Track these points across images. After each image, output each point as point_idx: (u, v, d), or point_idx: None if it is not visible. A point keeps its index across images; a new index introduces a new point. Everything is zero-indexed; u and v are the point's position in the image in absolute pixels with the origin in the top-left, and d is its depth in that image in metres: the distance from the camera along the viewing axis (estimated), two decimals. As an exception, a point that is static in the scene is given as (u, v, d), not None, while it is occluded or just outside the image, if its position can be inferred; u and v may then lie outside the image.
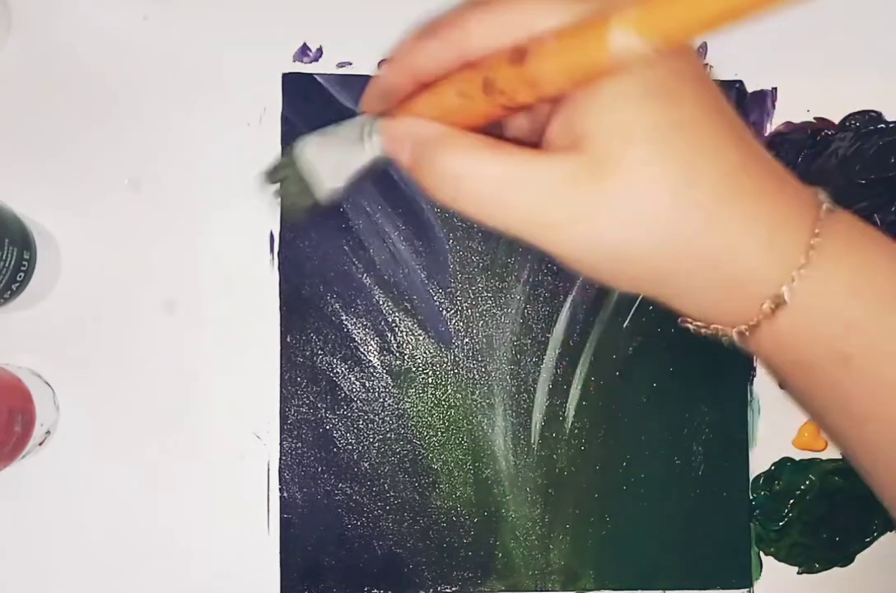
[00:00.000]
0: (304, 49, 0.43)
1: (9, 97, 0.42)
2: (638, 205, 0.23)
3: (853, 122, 0.44)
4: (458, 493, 0.42)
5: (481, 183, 0.24)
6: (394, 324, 0.42)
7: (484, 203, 0.24)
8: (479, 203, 0.24)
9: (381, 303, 0.42)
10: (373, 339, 0.42)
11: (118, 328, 0.41)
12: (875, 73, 0.44)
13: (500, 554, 0.42)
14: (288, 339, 0.42)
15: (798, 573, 0.43)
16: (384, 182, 0.42)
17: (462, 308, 0.42)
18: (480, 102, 0.24)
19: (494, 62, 0.23)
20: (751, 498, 0.43)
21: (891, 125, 0.44)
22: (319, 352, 0.42)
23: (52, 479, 0.41)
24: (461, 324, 0.42)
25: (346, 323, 0.42)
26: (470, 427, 0.42)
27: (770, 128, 0.44)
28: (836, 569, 0.43)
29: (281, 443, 0.41)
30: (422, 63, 0.25)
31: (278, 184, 0.31)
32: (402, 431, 0.42)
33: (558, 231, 0.23)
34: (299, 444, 0.42)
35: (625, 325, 0.43)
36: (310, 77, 0.42)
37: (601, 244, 0.23)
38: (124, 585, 0.41)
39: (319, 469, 0.42)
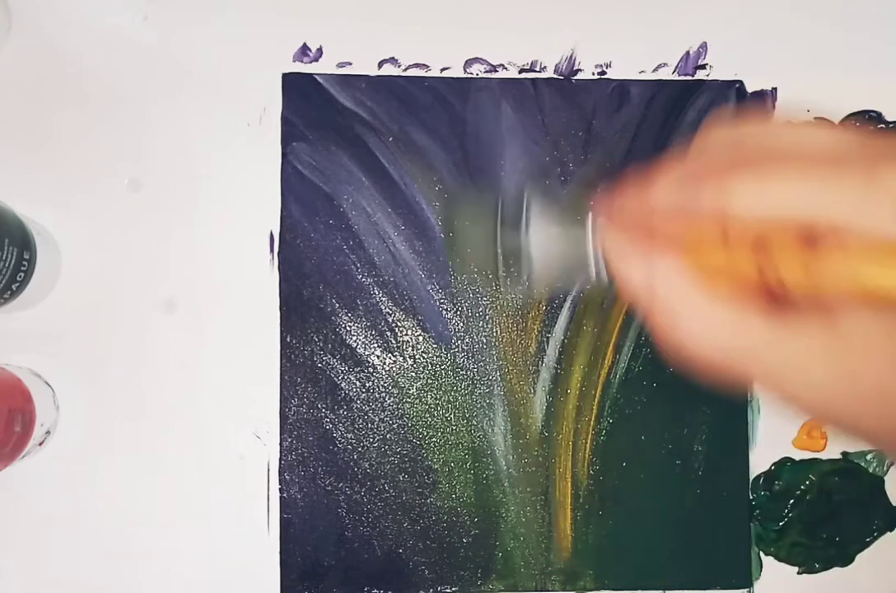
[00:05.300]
0: (304, 49, 0.43)
1: (9, 97, 0.42)
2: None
3: (853, 122, 0.44)
4: (458, 493, 0.42)
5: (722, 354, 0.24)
6: (394, 324, 0.42)
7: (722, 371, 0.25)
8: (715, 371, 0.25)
9: (381, 303, 0.42)
10: (373, 339, 0.42)
11: (118, 328, 0.41)
12: (875, 73, 0.44)
13: (500, 554, 0.42)
14: (288, 339, 0.42)
15: (798, 573, 0.43)
16: (384, 182, 0.42)
17: (462, 308, 0.42)
18: (743, 263, 0.23)
19: (781, 233, 0.22)
20: (751, 498, 0.43)
21: (891, 125, 0.44)
22: (319, 352, 0.42)
23: (52, 479, 0.41)
24: (461, 324, 0.42)
25: (346, 323, 0.42)
26: (470, 427, 0.42)
27: (770, 128, 0.44)
28: (836, 569, 0.43)
29: (281, 443, 0.41)
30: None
31: None
32: (402, 431, 0.42)
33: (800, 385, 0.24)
34: (299, 444, 0.42)
35: (625, 325, 0.43)
36: (310, 77, 0.43)
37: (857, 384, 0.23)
38: (124, 585, 0.41)
39: (319, 469, 0.42)
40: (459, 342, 0.42)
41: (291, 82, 0.42)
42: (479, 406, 0.42)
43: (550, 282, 0.31)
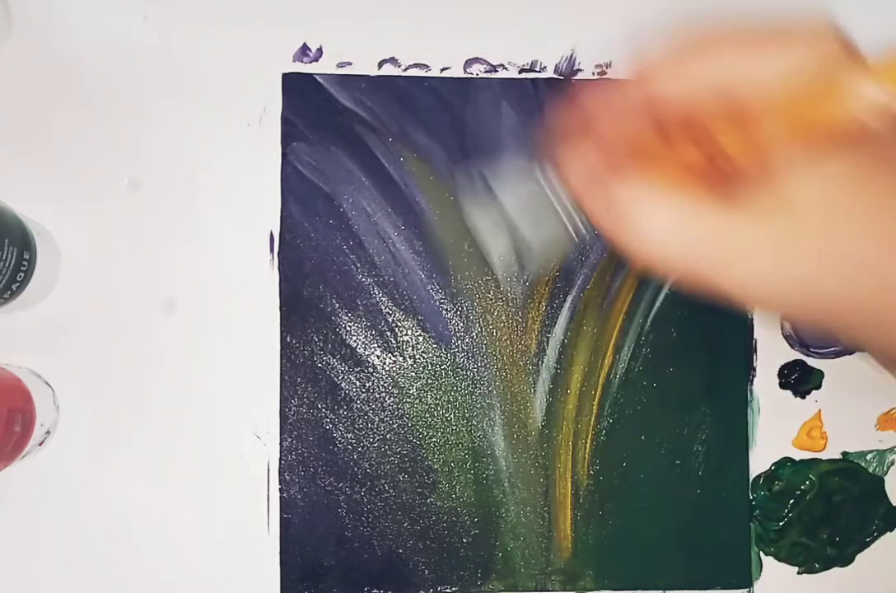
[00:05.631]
0: (304, 49, 0.43)
1: (9, 97, 0.42)
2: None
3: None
4: (458, 493, 0.42)
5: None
6: (394, 324, 0.42)
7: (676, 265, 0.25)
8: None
9: (381, 303, 0.42)
10: (373, 339, 0.42)
11: (118, 328, 0.41)
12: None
13: (500, 554, 0.42)
14: (288, 339, 0.42)
15: (798, 573, 0.43)
16: (384, 182, 0.42)
17: (462, 308, 0.42)
18: (689, 154, 0.24)
19: (711, 114, 0.23)
20: (751, 498, 0.43)
21: (891, 125, 0.44)
22: (319, 352, 0.42)
23: (52, 479, 0.41)
24: (461, 324, 0.42)
25: (346, 323, 0.42)
26: (470, 427, 0.42)
27: (770, 128, 0.44)
28: (836, 569, 0.43)
29: (281, 443, 0.41)
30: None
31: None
32: (402, 431, 0.42)
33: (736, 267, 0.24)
34: (299, 444, 0.42)
35: (625, 325, 0.43)
36: (310, 77, 0.43)
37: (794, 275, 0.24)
38: (124, 585, 0.41)
39: (319, 469, 0.42)
40: (459, 342, 0.42)
41: (291, 82, 0.42)
42: (478, 406, 0.42)
43: (542, 250, 0.31)
